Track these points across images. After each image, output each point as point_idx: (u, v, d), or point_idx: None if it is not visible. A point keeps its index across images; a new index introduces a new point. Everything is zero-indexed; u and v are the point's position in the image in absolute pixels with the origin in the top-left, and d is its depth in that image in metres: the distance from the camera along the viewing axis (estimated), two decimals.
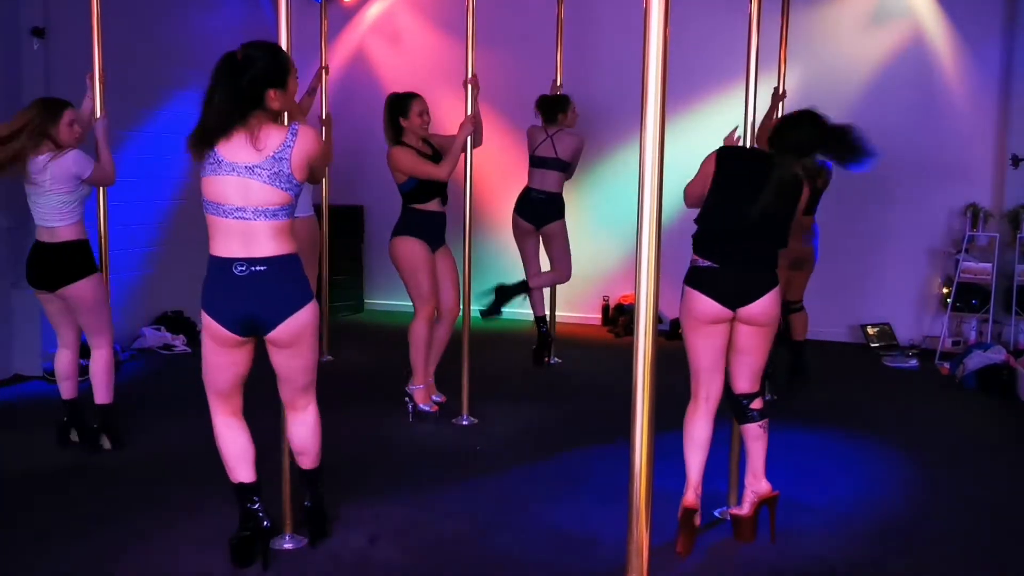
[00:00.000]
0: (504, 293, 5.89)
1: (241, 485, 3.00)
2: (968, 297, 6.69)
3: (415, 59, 8.28)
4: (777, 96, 4.69)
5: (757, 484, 3.29)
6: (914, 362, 6.50)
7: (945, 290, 6.93)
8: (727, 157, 3.23)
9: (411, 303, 4.84)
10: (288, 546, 3.16)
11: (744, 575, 3.07)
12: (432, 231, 4.79)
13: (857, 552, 3.24)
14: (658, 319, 1.91)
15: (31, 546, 3.19)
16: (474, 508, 3.60)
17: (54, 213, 4.03)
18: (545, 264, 6.12)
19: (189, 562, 3.07)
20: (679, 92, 6.06)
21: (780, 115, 4.44)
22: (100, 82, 4.33)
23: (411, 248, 4.72)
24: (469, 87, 4.75)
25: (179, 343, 6.66)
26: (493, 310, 5.91)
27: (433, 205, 4.75)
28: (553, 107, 5.84)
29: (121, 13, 5.92)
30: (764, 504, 3.30)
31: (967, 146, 6.95)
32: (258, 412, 3.12)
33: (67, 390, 4.29)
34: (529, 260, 6.04)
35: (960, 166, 6.96)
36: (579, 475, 4.02)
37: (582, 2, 7.27)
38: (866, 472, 4.15)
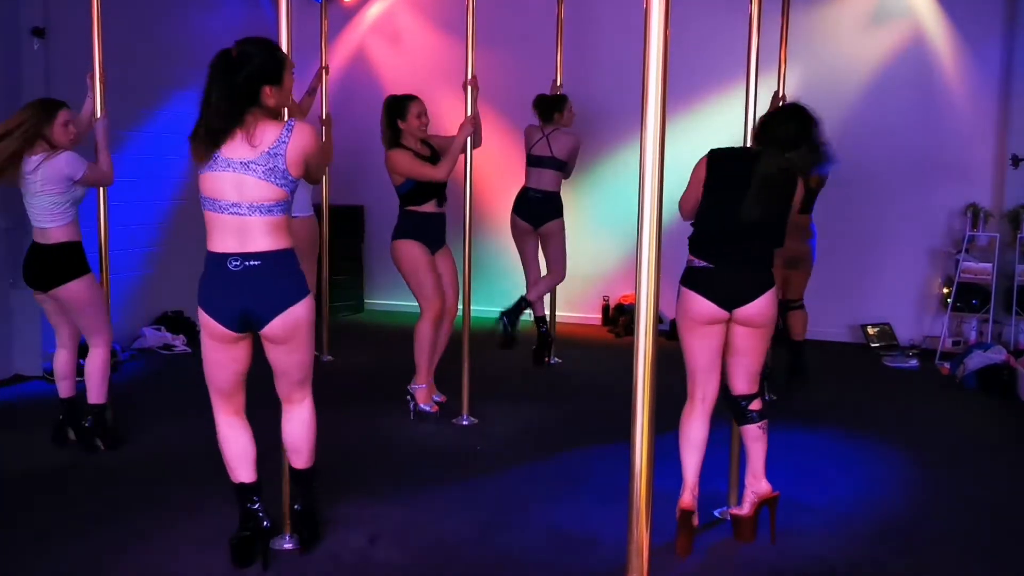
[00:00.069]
0: (511, 316, 5.88)
1: (242, 485, 3.00)
2: (968, 297, 6.69)
3: (415, 59, 8.28)
4: (777, 99, 4.69)
5: (757, 484, 3.29)
6: (914, 362, 6.50)
7: (945, 290, 6.93)
8: (718, 159, 3.22)
9: (414, 304, 4.85)
10: (288, 546, 3.16)
11: (744, 575, 3.07)
12: (430, 233, 4.79)
13: (857, 552, 3.24)
14: (658, 319, 1.91)
15: (31, 546, 3.19)
16: (474, 508, 3.60)
17: (45, 214, 4.03)
18: (542, 264, 6.11)
19: (189, 562, 3.07)
20: (679, 92, 6.07)
21: None
22: (100, 82, 4.33)
23: (410, 250, 4.73)
24: (469, 88, 4.75)
25: (179, 343, 6.66)
26: (509, 337, 5.89)
27: (429, 207, 4.75)
28: (549, 106, 5.84)
29: (121, 13, 5.92)
30: (764, 504, 3.30)
31: (967, 146, 6.95)
32: (259, 412, 3.12)
33: (65, 389, 4.31)
34: (528, 261, 6.04)
35: (960, 166, 6.96)
36: (579, 475, 4.02)
37: (582, 2, 7.27)
38: (866, 472, 4.15)
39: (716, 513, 3.52)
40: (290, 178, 2.82)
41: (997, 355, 5.84)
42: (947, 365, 6.28)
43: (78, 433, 4.28)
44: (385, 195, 5.16)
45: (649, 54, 1.83)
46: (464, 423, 4.76)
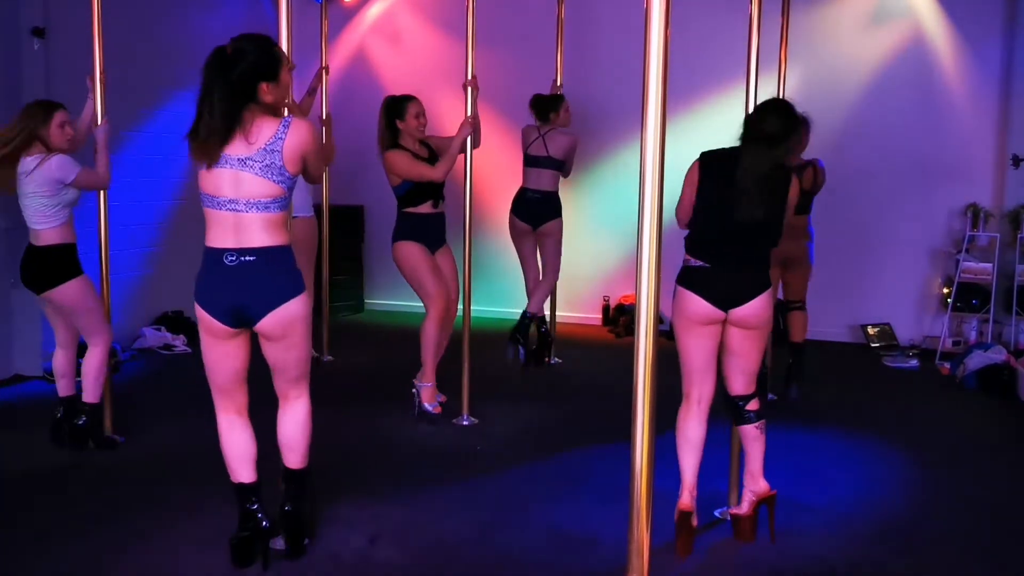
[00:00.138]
0: (521, 335, 5.87)
1: (240, 485, 3.00)
2: (968, 297, 6.69)
3: (415, 59, 8.28)
4: None
5: (755, 484, 3.29)
6: (914, 362, 6.50)
7: (945, 290, 6.93)
8: (710, 161, 3.22)
9: (414, 304, 4.86)
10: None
11: (744, 575, 3.07)
12: (428, 233, 4.78)
13: (857, 552, 3.24)
14: (659, 319, 1.90)
15: (31, 546, 3.19)
16: (474, 508, 3.60)
17: (36, 216, 4.05)
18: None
19: (189, 562, 3.06)
20: (680, 92, 6.07)
21: None
22: (101, 82, 4.32)
23: (410, 251, 4.72)
24: (469, 89, 4.74)
25: (179, 343, 6.66)
26: (522, 354, 5.90)
27: (426, 207, 4.74)
28: (545, 106, 5.84)
29: (121, 13, 5.92)
30: (763, 504, 3.30)
31: (967, 146, 6.95)
32: (260, 411, 3.11)
33: (63, 388, 4.31)
34: (527, 262, 6.02)
35: (960, 166, 6.96)
36: (579, 475, 4.02)
37: (582, 2, 7.27)
38: (866, 472, 4.15)
39: (716, 513, 3.52)
40: (287, 175, 2.82)
41: (997, 355, 5.84)
42: (947, 365, 6.27)
43: (71, 431, 4.28)
44: (385, 195, 5.17)
45: (649, 54, 1.83)
46: (464, 423, 4.76)
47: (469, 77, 4.75)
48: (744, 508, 3.30)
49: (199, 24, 7.16)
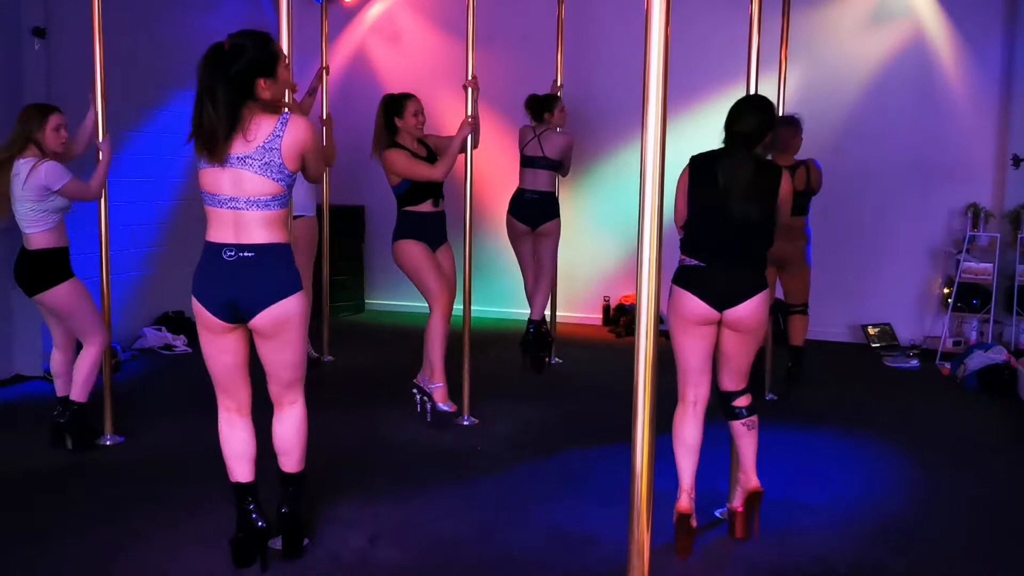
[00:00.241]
0: (530, 344, 5.89)
1: (237, 484, 3.00)
2: (969, 297, 6.69)
3: (415, 59, 8.28)
4: None
5: (746, 480, 3.31)
6: (915, 362, 6.50)
7: (946, 290, 6.93)
8: (698, 165, 3.24)
9: (415, 304, 4.84)
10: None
11: (744, 575, 3.07)
12: (429, 231, 4.77)
13: (858, 552, 3.24)
14: (659, 319, 1.90)
15: (31, 546, 3.19)
16: (474, 508, 3.60)
17: (26, 219, 4.07)
18: None
19: (189, 562, 3.07)
20: (680, 92, 6.06)
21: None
22: (101, 81, 4.31)
23: (410, 250, 4.70)
24: (469, 89, 4.74)
25: (180, 343, 6.66)
26: (538, 359, 5.92)
27: (426, 206, 4.73)
28: (540, 106, 5.83)
29: (122, 13, 5.92)
30: (748, 500, 3.31)
31: (968, 146, 6.95)
32: (261, 411, 3.11)
33: (61, 388, 4.33)
34: (525, 263, 6.01)
35: (961, 166, 6.96)
36: (580, 475, 4.02)
37: (582, 2, 7.27)
38: (867, 472, 4.15)
39: (717, 513, 3.52)
40: (287, 172, 2.81)
41: (998, 355, 5.84)
42: (948, 365, 6.27)
43: (52, 428, 4.26)
44: (386, 195, 5.16)
45: (650, 54, 1.83)
46: (464, 423, 4.76)
47: (469, 77, 4.74)
48: (736, 504, 3.33)
49: (199, 24, 7.15)
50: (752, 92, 3.40)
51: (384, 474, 3.99)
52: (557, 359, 6.38)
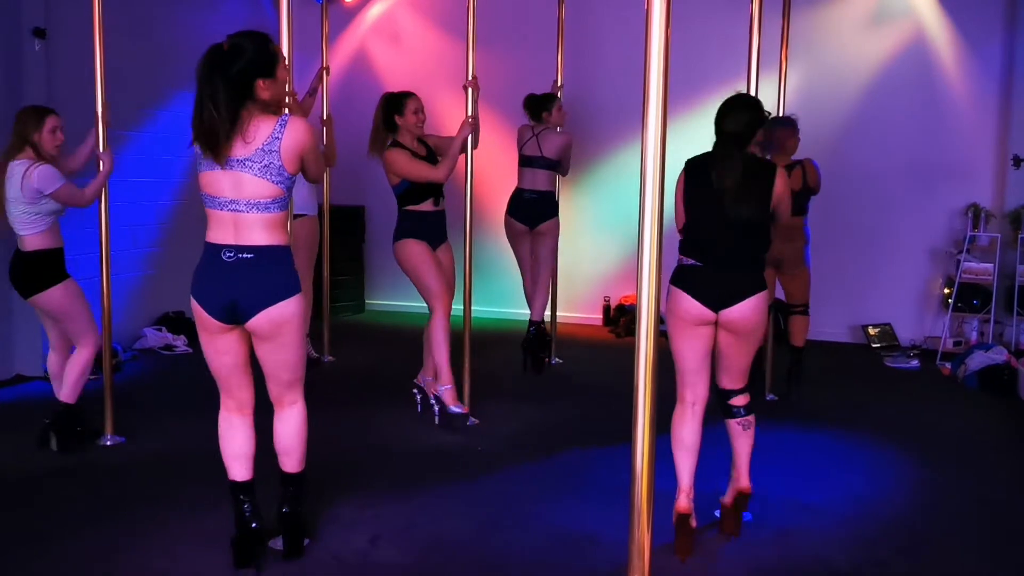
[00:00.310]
0: (532, 344, 5.88)
1: (233, 483, 3.01)
2: (969, 297, 6.69)
3: (416, 59, 8.28)
4: None
5: (737, 479, 3.34)
6: (915, 362, 6.50)
7: (946, 290, 6.93)
8: (692, 168, 3.25)
9: (415, 304, 4.81)
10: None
11: (745, 574, 3.07)
12: (430, 231, 4.75)
13: (858, 552, 3.23)
14: (659, 319, 1.91)
15: (30, 546, 3.19)
16: (474, 508, 3.60)
17: (18, 221, 4.07)
18: None
19: (189, 562, 3.06)
20: (680, 92, 6.05)
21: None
22: (101, 81, 4.30)
23: (412, 250, 4.67)
24: (469, 90, 4.73)
25: (180, 343, 6.66)
26: (539, 361, 5.92)
27: (427, 206, 4.71)
28: (538, 105, 5.83)
29: (122, 13, 5.92)
30: (737, 497, 3.34)
31: (968, 146, 6.95)
32: (263, 411, 3.11)
33: (58, 389, 4.32)
34: (524, 262, 6.01)
35: (961, 166, 6.96)
36: (580, 475, 4.02)
37: (583, 2, 7.27)
38: (867, 472, 4.15)
39: (717, 514, 3.52)
40: (286, 175, 2.81)
41: (998, 355, 5.84)
42: (948, 365, 6.27)
43: (41, 430, 4.25)
44: (386, 195, 5.16)
45: (650, 54, 1.83)
46: (465, 423, 4.75)
47: (469, 78, 4.74)
48: (727, 500, 3.36)
49: (199, 24, 7.16)
50: (752, 92, 3.40)
51: (384, 474, 3.99)
52: (557, 359, 6.38)
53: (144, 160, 6.68)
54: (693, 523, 3.18)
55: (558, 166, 5.87)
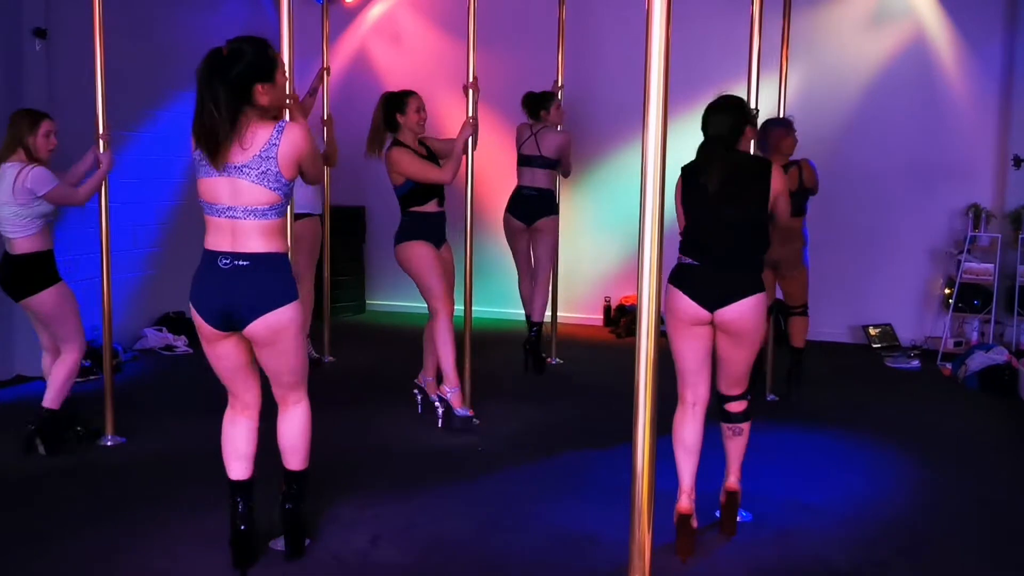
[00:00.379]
0: (533, 345, 5.89)
1: (231, 482, 3.02)
2: (970, 298, 6.68)
3: (416, 60, 8.28)
4: None
5: (726, 477, 3.36)
6: (916, 363, 6.49)
7: (947, 291, 6.92)
8: (688, 172, 3.27)
9: (415, 304, 4.80)
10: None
11: (745, 574, 3.07)
12: (433, 231, 4.75)
13: (858, 552, 3.23)
14: (660, 320, 1.90)
15: (30, 546, 3.19)
16: (474, 508, 3.60)
17: (8, 224, 4.06)
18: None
19: (189, 562, 3.07)
20: (681, 92, 6.03)
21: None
22: (101, 81, 4.30)
23: (417, 251, 4.64)
24: (469, 91, 4.72)
25: (180, 344, 6.66)
26: (539, 362, 5.93)
27: (431, 206, 4.69)
28: (536, 104, 5.82)
29: (122, 14, 5.92)
30: (726, 495, 3.36)
31: (969, 146, 6.95)
32: (268, 411, 3.11)
33: None
34: (521, 261, 6.00)
35: (962, 166, 6.96)
36: (580, 475, 4.02)
37: (582, 2, 7.27)
38: (867, 472, 4.15)
39: (717, 514, 3.51)
40: (284, 181, 2.81)
41: (999, 356, 5.84)
42: (949, 366, 6.27)
43: (26, 436, 4.20)
44: (387, 196, 5.16)
45: (650, 54, 1.83)
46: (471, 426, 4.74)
47: (470, 79, 4.73)
48: (721, 499, 3.38)
49: (200, 25, 7.16)
50: (753, 92, 3.41)
51: (385, 474, 3.99)
52: (558, 359, 6.38)
53: (144, 160, 6.67)
54: (694, 523, 3.18)
55: (557, 165, 5.86)
